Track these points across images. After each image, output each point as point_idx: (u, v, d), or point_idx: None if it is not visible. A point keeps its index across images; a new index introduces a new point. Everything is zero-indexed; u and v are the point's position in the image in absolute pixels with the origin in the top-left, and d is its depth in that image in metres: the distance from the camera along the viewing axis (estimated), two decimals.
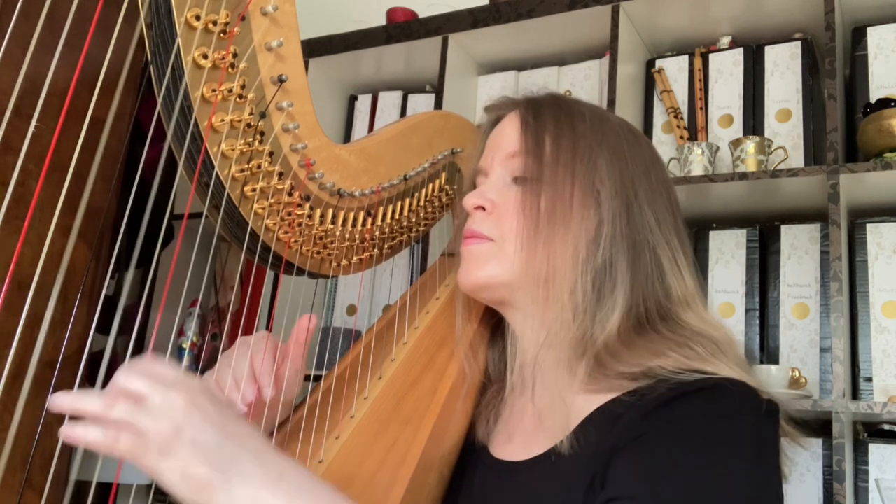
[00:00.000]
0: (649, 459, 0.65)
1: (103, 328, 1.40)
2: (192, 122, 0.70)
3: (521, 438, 0.80)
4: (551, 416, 0.77)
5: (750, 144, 1.40)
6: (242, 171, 0.76)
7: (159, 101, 0.69)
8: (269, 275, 1.74)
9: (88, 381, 1.46)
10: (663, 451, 0.65)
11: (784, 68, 1.51)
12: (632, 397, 0.70)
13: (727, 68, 1.56)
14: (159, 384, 0.55)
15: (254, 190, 0.77)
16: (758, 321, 1.41)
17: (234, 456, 0.55)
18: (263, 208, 0.79)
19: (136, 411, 0.54)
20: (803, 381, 1.30)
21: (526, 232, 0.79)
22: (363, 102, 1.96)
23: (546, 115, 0.84)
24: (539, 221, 0.79)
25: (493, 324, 0.93)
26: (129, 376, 0.56)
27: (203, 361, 1.85)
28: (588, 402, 0.74)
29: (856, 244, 1.35)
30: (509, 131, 0.86)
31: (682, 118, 1.55)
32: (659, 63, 1.63)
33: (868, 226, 1.35)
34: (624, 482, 0.65)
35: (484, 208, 0.84)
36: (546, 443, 0.75)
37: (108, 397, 0.55)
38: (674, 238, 0.82)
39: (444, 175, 1.03)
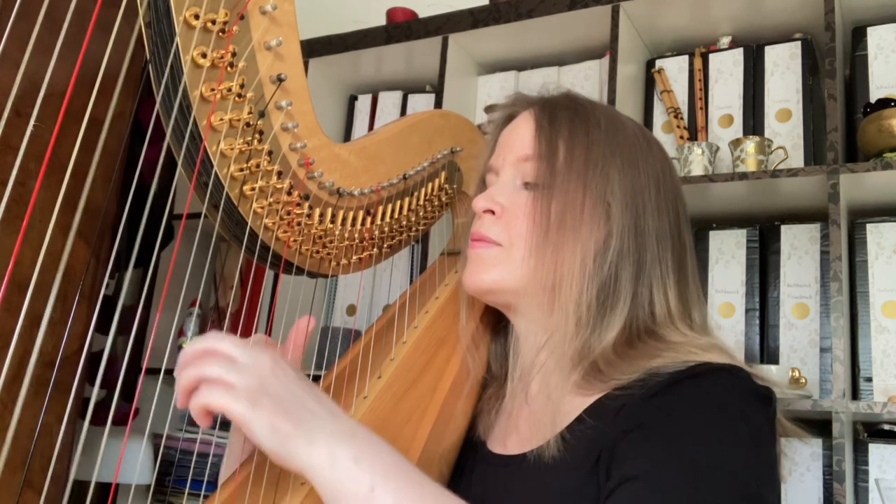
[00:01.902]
0: (651, 441, 0.66)
1: (103, 328, 1.40)
2: (191, 121, 0.70)
3: (518, 435, 0.81)
4: (546, 414, 0.77)
5: (750, 144, 1.40)
6: (241, 170, 0.76)
7: (158, 100, 0.69)
8: (269, 274, 1.74)
9: (88, 380, 1.47)
10: (664, 432, 0.66)
11: (784, 68, 1.51)
12: (628, 390, 0.71)
13: (727, 68, 1.56)
14: (245, 346, 0.61)
15: (253, 189, 0.77)
16: (758, 321, 1.41)
17: (314, 413, 0.60)
18: (262, 207, 0.79)
19: (228, 368, 0.59)
20: (803, 381, 1.30)
21: (535, 239, 0.79)
22: (363, 102, 1.96)
23: (561, 120, 0.83)
24: (549, 229, 0.79)
25: (496, 321, 0.93)
26: (219, 341, 0.61)
27: None
28: (583, 401, 0.75)
29: (856, 244, 1.35)
30: (523, 132, 0.85)
31: (682, 118, 1.55)
32: (659, 63, 1.63)
33: (868, 226, 1.35)
34: (628, 464, 0.66)
35: (493, 212, 0.83)
36: (542, 438, 0.76)
37: (202, 354, 0.60)
38: (668, 254, 0.81)
39: (443, 174, 1.03)
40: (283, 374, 0.61)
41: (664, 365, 0.71)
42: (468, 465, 0.84)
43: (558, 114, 0.84)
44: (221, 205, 0.75)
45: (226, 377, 0.58)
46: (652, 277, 0.79)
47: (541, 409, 0.78)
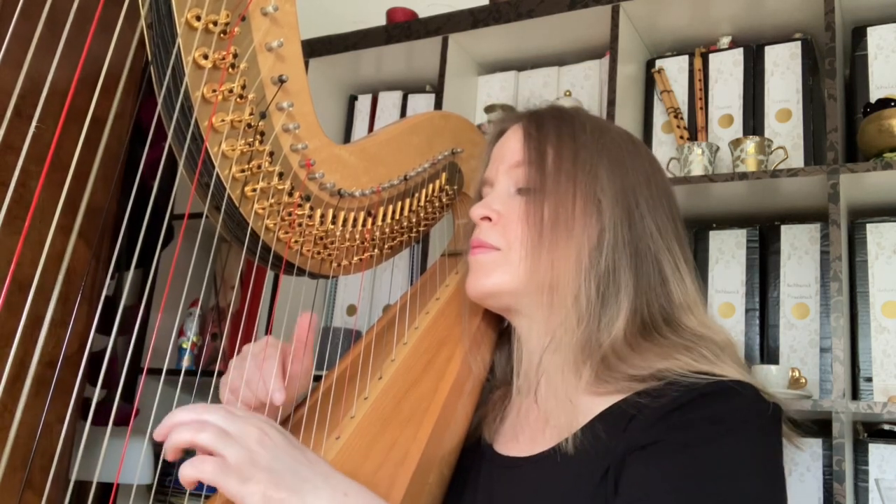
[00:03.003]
0: (666, 461, 0.67)
1: (103, 328, 1.40)
2: (193, 122, 0.70)
3: (526, 437, 0.81)
4: (557, 415, 0.78)
5: (750, 144, 1.40)
6: (243, 171, 0.76)
7: (160, 101, 0.69)
8: (270, 275, 1.74)
9: (89, 381, 1.47)
10: (680, 453, 0.67)
11: (784, 68, 1.51)
12: (642, 398, 0.72)
13: (727, 68, 1.56)
14: (233, 416, 0.61)
15: (254, 190, 0.77)
16: (758, 321, 1.41)
17: (307, 479, 0.60)
18: (264, 208, 0.79)
19: (219, 438, 0.59)
20: (803, 381, 1.30)
21: (530, 240, 0.81)
22: (363, 102, 1.96)
23: (548, 127, 0.86)
24: (542, 230, 0.81)
25: (500, 327, 0.94)
26: (208, 412, 0.60)
27: (203, 361, 1.85)
28: (595, 403, 0.76)
29: (856, 244, 1.35)
30: (513, 143, 0.88)
31: (682, 118, 1.55)
32: (659, 63, 1.63)
33: (868, 226, 1.35)
34: (642, 483, 0.66)
35: (490, 219, 0.86)
36: (552, 440, 0.76)
37: (195, 422, 0.60)
38: (674, 244, 0.83)
39: (444, 175, 1.03)
40: (271, 444, 0.61)
41: (679, 373, 0.71)
42: (474, 467, 0.84)
43: (545, 122, 0.87)
44: (223, 206, 0.75)
45: (217, 447, 0.58)
46: (663, 264, 0.81)
47: (551, 410, 0.79)
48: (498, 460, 0.82)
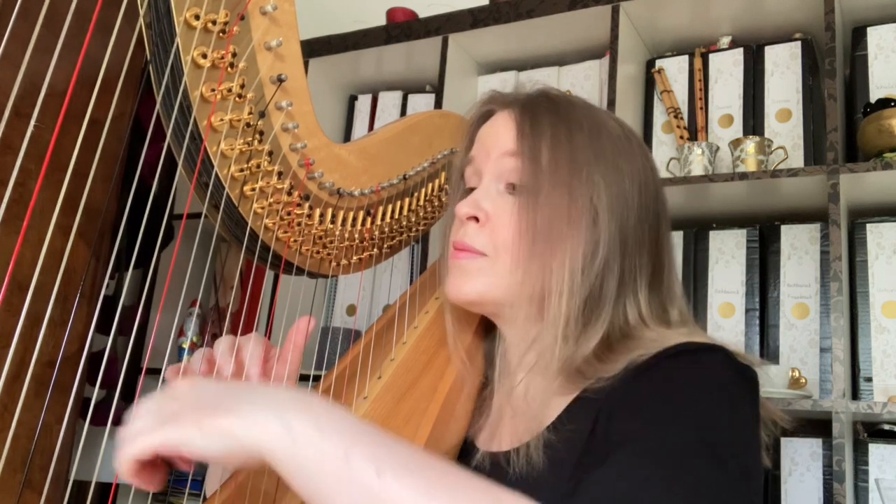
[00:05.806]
0: (636, 408, 0.67)
1: (103, 328, 1.40)
2: (192, 121, 0.70)
3: (505, 432, 0.82)
4: (531, 411, 0.78)
5: (750, 144, 1.40)
6: (242, 170, 0.76)
7: (158, 100, 0.69)
8: (269, 274, 1.74)
9: (88, 381, 1.47)
10: (649, 400, 0.67)
11: (784, 68, 1.51)
12: (611, 381, 0.71)
13: (727, 68, 1.56)
14: (161, 392, 0.57)
15: (253, 189, 0.77)
16: (758, 321, 1.41)
17: (248, 398, 0.54)
18: (263, 208, 0.79)
19: (150, 413, 0.55)
20: (803, 381, 1.30)
21: (521, 250, 0.77)
22: (363, 102, 1.96)
23: (543, 124, 0.81)
24: (535, 239, 0.77)
25: (488, 322, 0.93)
26: (137, 410, 0.57)
27: None
28: (566, 400, 0.76)
29: (856, 244, 1.35)
30: (503, 131, 0.83)
31: (682, 118, 1.55)
32: (659, 63, 1.63)
33: (868, 226, 1.35)
34: (614, 431, 0.66)
35: (477, 219, 0.81)
36: (528, 434, 0.76)
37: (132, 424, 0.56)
38: (644, 260, 0.80)
39: (443, 174, 1.03)
40: (201, 386, 0.57)
41: (645, 352, 0.71)
42: (461, 462, 0.84)
43: (539, 118, 0.81)
44: (222, 205, 0.75)
45: (135, 424, 0.54)
46: (628, 285, 0.79)
47: (524, 410, 0.79)
48: (479, 455, 0.81)
